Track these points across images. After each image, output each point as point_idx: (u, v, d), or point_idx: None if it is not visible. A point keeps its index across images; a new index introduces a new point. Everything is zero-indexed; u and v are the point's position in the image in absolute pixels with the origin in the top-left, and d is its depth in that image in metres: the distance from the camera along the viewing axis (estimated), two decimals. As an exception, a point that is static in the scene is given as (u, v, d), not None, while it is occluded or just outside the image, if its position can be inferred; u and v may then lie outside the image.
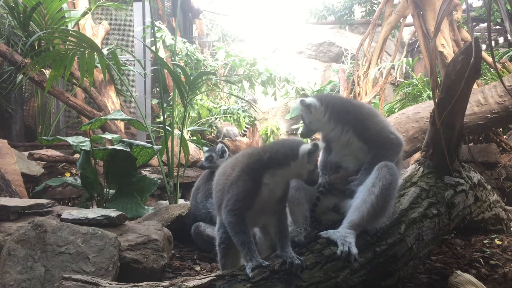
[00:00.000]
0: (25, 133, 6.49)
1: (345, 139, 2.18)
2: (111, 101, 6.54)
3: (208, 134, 8.82)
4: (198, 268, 2.56)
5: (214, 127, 8.91)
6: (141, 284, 1.67)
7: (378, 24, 8.53)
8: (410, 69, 8.47)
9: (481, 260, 2.58)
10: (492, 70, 6.20)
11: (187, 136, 5.56)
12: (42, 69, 5.72)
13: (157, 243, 2.34)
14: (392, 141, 2.14)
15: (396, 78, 8.16)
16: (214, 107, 8.72)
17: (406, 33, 11.41)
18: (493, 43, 9.58)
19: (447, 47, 5.16)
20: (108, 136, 3.80)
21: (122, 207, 3.16)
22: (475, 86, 4.37)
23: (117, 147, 3.35)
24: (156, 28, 7.65)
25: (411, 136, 4.52)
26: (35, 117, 6.65)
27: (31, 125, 6.80)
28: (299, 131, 11.60)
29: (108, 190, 3.46)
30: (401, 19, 7.75)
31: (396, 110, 7.07)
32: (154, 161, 5.32)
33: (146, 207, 3.45)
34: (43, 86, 5.20)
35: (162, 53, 8.29)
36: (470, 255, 2.67)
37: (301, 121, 2.30)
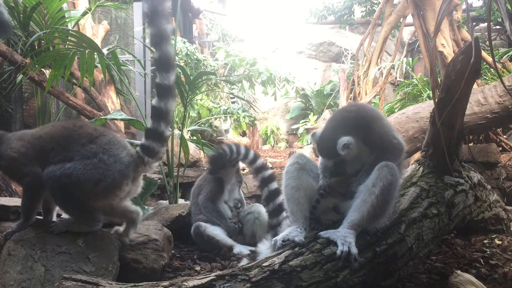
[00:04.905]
0: (25, 133, 6.47)
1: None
2: (111, 101, 6.54)
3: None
4: (198, 268, 2.56)
5: (214, 127, 8.91)
6: (141, 284, 1.67)
7: (378, 24, 8.53)
8: (410, 69, 8.47)
9: (481, 260, 2.58)
10: (492, 70, 6.19)
11: (187, 136, 5.54)
12: (42, 69, 5.72)
13: (157, 243, 2.34)
14: (395, 145, 2.13)
15: (396, 78, 8.16)
16: (214, 107, 8.72)
17: (406, 33, 11.42)
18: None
19: (447, 47, 5.15)
20: (108, 136, 3.78)
21: (122, 207, 3.15)
22: (475, 86, 4.37)
23: (117, 147, 3.33)
24: (156, 28, 7.62)
25: (411, 136, 4.51)
26: (35, 117, 6.65)
27: (31, 125, 6.79)
28: (299, 131, 11.61)
29: (108, 190, 3.45)
30: (401, 19, 7.75)
31: (396, 110, 7.06)
32: (154, 161, 5.30)
33: (146, 207, 3.44)
34: (43, 86, 5.20)
35: (162, 53, 8.26)
36: (470, 255, 2.67)
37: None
